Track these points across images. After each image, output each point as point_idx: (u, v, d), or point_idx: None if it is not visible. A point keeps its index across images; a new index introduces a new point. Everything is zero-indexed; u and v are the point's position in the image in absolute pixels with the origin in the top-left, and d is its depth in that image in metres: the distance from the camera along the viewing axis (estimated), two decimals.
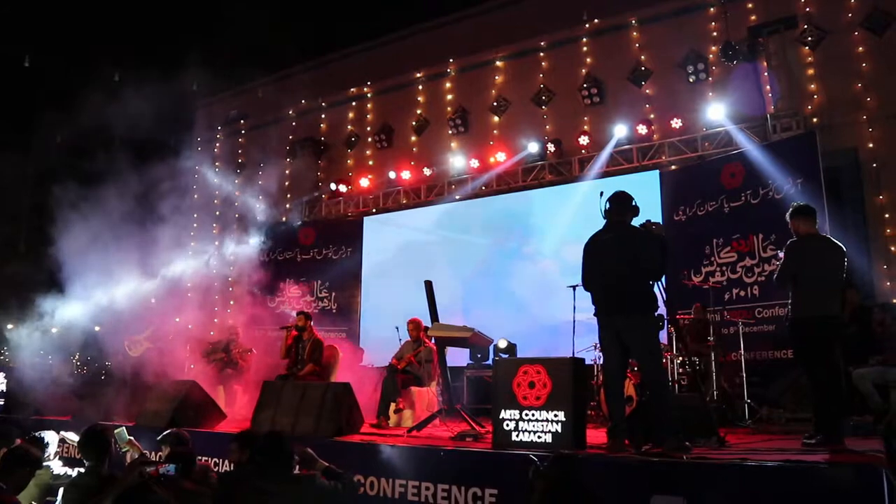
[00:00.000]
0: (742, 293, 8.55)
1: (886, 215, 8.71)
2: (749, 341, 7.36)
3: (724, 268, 8.80)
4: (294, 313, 8.53)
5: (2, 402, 9.24)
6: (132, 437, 4.82)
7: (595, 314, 4.83)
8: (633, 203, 4.87)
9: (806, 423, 5.35)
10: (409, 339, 7.67)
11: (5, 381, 9.78)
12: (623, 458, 4.17)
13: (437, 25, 12.94)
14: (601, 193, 4.92)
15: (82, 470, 3.91)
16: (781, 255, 4.92)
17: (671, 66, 10.29)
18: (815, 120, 9.21)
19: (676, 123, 9.90)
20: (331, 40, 14.00)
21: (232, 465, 4.42)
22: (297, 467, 3.72)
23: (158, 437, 4.70)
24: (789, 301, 4.85)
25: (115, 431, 4.71)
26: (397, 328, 7.96)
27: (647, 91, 10.52)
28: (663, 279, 4.78)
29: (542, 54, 11.62)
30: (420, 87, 12.96)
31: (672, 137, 10.02)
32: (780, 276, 4.92)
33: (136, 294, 10.52)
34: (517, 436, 4.67)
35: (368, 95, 13.62)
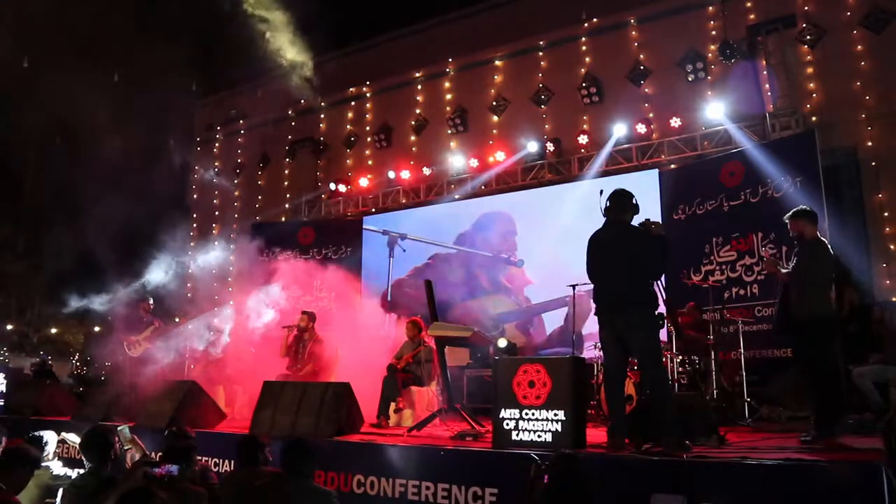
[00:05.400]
0: (742, 292, 8.54)
1: (885, 213, 8.72)
2: (749, 340, 7.36)
3: (723, 266, 8.79)
4: (301, 312, 8.51)
5: (1, 403, 9.22)
6: (135, 436, 4.81)
7: (595, 313, 4.83)
8: (634, 201, 4.86)
9: (806, 422, 5.35)
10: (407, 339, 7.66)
11: (4, 381, 9.76)
12: (623, 457, 4.18)
13: (436, 25, 12.92)
14: (601, 192, 4.91)
15: (82, 471, 3.91)
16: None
17: (670, 65, 10.29)
18: (814, 118, 9.20)
19: (675, 122, 9.89)
20: (330, 40, 13.98)
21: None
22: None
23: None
24: None
25: (119, 429, 4.71)
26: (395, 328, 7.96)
27: (647, 90, 10.52)
28: (663, 278, 4.79)
29: (541, 53, 11.61)
30: (419, 87, 12.94)
31: (671, 136, 10.02)
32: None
33: (135, 295, 10.52)
34: (517, 435, 4.67)
35: (367, 95, 13.60)
